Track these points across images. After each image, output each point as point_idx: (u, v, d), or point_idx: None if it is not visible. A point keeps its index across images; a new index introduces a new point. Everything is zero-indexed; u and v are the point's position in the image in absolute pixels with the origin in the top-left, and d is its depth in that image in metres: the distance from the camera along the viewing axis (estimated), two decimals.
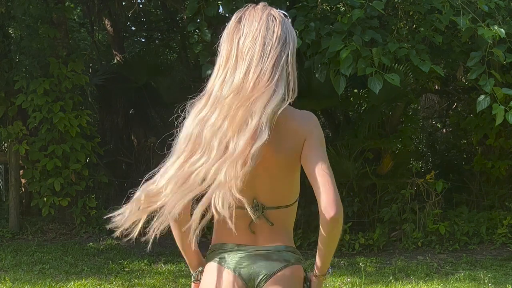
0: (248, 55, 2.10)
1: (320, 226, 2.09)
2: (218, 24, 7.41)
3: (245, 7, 2.20)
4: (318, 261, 2.20)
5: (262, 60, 2.09)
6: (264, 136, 2.00)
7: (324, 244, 2.13)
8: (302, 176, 2.26)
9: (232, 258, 2.19)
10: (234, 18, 2.18)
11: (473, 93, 9.22)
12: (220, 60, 2.15)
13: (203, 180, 1.98)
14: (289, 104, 2.13)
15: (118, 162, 10.71)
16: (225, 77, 2.11)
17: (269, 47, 2.11)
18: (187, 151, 2.04)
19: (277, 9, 2.23)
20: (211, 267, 2.23)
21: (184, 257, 2.33)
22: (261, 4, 2.21)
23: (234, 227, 2.05)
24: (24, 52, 8.82)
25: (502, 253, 8.30)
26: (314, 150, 2.12)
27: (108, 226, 2.08)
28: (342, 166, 8.94)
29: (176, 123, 2.15)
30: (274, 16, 2.16)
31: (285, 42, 2.15)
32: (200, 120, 2.06)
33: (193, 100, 2.16)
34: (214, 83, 2.13)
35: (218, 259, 2.22)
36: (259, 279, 2.18)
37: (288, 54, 2.15)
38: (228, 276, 2.18)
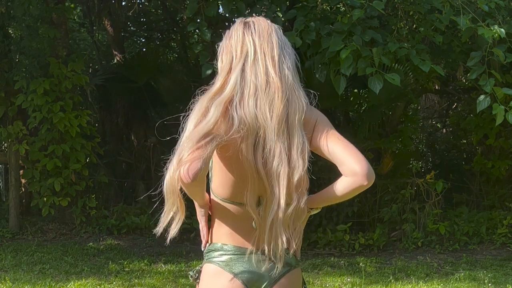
0: (268, 48, 2.11)
1: (342, 185, 2.06)
2: (218, 24, 7.42)
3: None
4: (316, 197, 2.15)
5: (282, 54, 2.12)
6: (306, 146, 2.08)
7: (335, 197, 2.10)
8: None
9: (234, 263, 2.14)
10: (239, 21, 2.20)
11: (473, 93, 9.23)
12: (234, 53, 2.12)
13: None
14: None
15: (118, 162, 10.71)
16: (245, 68, 2.09)
17: (284, 44, 2.16)
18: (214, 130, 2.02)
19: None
20: (213, 270, 2.17)
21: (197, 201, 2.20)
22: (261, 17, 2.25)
23: (234, 227, 2.08)
24: (24, 52, 8.81)
25: (502, 253, 8.30)
26: (327, 131, 2.12)
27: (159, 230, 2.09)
28: None
29: (180, 124, 2.14)
30: (275, 25, 2.21)
31: (291, 47, 2.20)
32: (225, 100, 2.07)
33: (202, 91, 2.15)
34: (230, 74, 2.11)
35: (219, 262, 2.16)
36: (263, 286, 2.15)
37: (296, 58, 2.20)
38: (231, 282, 2.13)
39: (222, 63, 2.15)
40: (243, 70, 2.08)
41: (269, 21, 2.19)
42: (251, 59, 2.09)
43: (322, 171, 9.17)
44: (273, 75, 2.07)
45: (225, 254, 2.15)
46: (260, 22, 2.17)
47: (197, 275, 2.24)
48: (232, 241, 2.15)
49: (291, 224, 2.07)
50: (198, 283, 2.23)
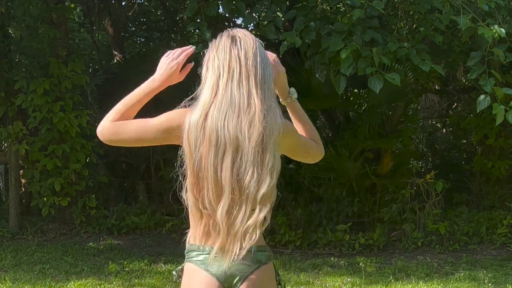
0: (252, 68, 2.23)
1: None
2: (218, 24, 7.42)
3: (231, 29, 2.34)
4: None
5: (264, 75, 2.25)
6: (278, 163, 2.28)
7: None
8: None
9: (209, 262, 2.29)
10: (226, 34, 2.30)
11: (473, 93, 9.23)
12: (221, 70, 2.23)
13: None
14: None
15: (118, 162, 10.71)
16: (231, 87, 2.21)
17: (266, 64, 2.28)
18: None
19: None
20: (191, 269, 2.34)
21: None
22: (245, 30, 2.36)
23: (208, 230, 2.26)
24: (24, 52, 8.81)
25: (502, 253, 8.30)
26: (293, 135, 2.37)
27: None
28: (342, 166, 8.95)
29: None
30: (258, 40, 2.33)
31: (270, 62, 2.34)
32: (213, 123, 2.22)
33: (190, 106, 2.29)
34: (217, 92, 2.23)
35: (196, 261, 2.33)
36: (234, 282, 2.31)
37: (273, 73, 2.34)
38: (206, 279, 2.30)
39: (207, 73, 2.27)
40: (231, 90, 2.21)
41: (253, 37, 2.30)
42: (236, 79, 2.21)
43: (322, 171, 9.19)
44: (254, 97, 2.21)
45: (201, 254, 2.32)
46: (246, 39, 2.27)
47: (180, 273, 2.43)
48: (206, 242, 2.30)
49: (253, 230, 2.23)
50: (181, 281, 2.41)
